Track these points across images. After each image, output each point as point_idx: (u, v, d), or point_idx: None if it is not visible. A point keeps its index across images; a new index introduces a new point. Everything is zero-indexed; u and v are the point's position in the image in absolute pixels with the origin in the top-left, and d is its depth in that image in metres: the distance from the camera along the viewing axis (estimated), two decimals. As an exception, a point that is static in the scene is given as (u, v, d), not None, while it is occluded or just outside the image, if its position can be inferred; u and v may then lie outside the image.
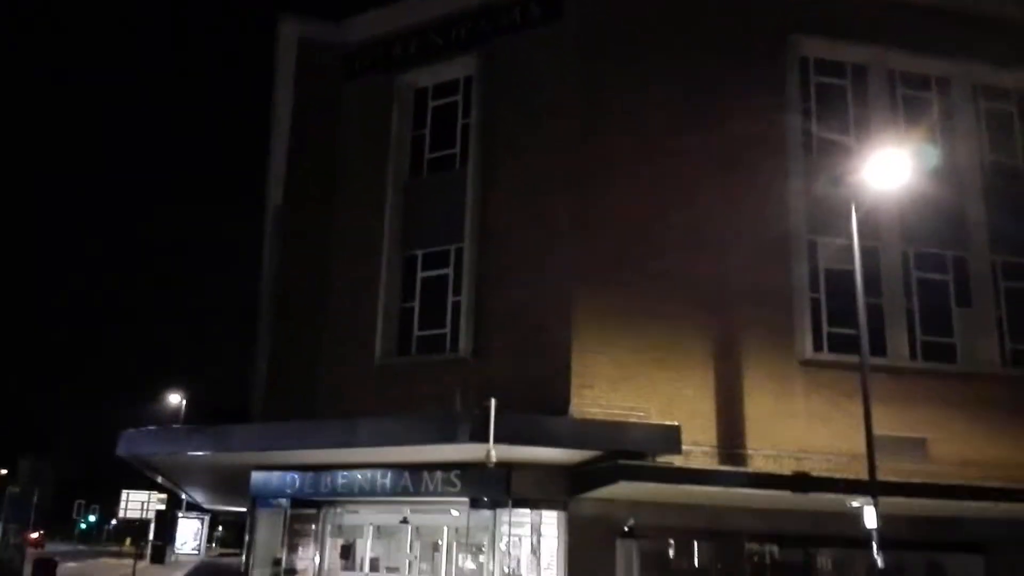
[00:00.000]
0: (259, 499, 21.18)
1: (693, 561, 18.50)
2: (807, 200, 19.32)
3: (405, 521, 19.78)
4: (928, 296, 20.01)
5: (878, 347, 18.88)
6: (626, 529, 17.71)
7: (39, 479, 17.30)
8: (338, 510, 20.73)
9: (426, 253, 20.69)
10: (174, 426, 23.97)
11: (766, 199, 19.27)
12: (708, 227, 18.78)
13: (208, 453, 18.74)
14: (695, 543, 18.46)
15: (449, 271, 20.27)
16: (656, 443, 16.02)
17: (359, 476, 19.28)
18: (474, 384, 17.43)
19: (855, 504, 13.89)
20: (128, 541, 37.42)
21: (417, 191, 21.34)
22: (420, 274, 20.66)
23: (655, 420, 16.87)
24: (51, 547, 51.06)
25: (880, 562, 13.37)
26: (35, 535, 57.27)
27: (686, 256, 18.56)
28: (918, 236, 20.07)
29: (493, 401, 15.31)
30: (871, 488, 13.72)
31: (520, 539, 17.99)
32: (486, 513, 17.92)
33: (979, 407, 18.83)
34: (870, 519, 13.46)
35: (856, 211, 15.09)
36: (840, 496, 14.58)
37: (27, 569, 19.07)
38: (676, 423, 16.26)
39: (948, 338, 19.82)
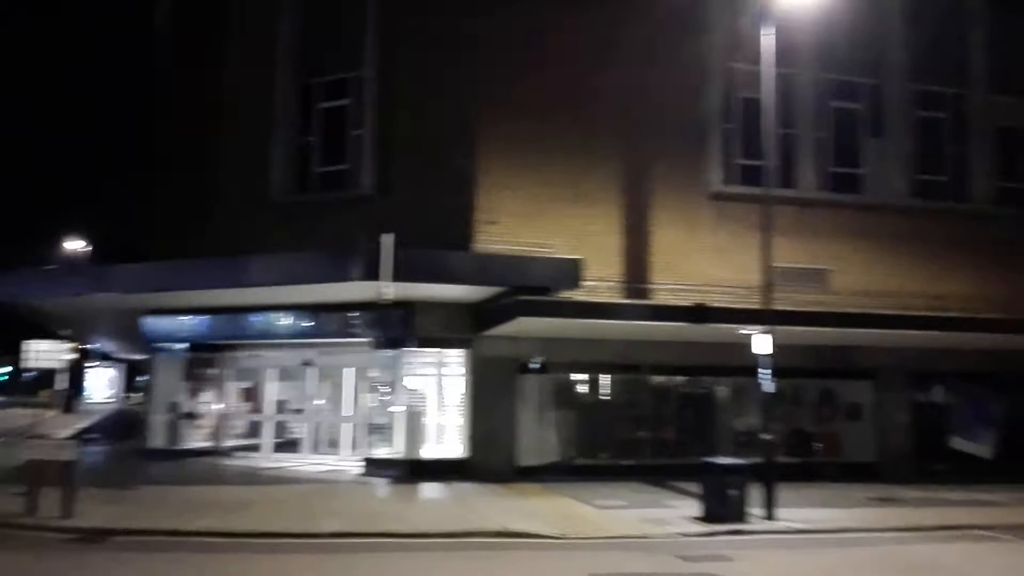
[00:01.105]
0: (157, 344, 20.44)
1: (598, 393, 18.69)
2: (724, 21, 18.33)
3: (308, 363, 19.37)
4: (840, 125, 19.58)
5: (788, 179, 18.64)
6: (531, 366, 17.63)
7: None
8: (239, 354, 20.17)
9: (325, 81, 19.15)
10: (49, 267, 22.55)
11: (682, 21, 18.20)
12: (618, 52, 17.72)
13: (87, 295, 17.58)
14: (600, 376, 18.58)
15: (349, 101, 18.89)
16: (558, 278, 15.62)
17: (259, 319, 18.60)
18: (378, 222, 16.49)
19: (748, 332, 13.83)
20: (41, 392, 36.42)
21: (313, 13, 19.51)
22: (318, 105, 19.20)
23: (561, 256, 16.42)
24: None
25: (771, 386, 13.48)
26: None
27: (595, 84, 17.58)
28: (834, 62, 19.39)
29: (385, 237, 14.57)
30: (766, 317, 13.65)
31: (425, 378, 17.82)
32: (390, 353, 17.59)
33: (883, 239, 18.94)
34: (761, 346, 13.45)
35: (767, 31, 14.22)
36: (738, 326, 14.50)
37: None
38: (577, 257, 15.83)
39: (858, 169, 19.62)
